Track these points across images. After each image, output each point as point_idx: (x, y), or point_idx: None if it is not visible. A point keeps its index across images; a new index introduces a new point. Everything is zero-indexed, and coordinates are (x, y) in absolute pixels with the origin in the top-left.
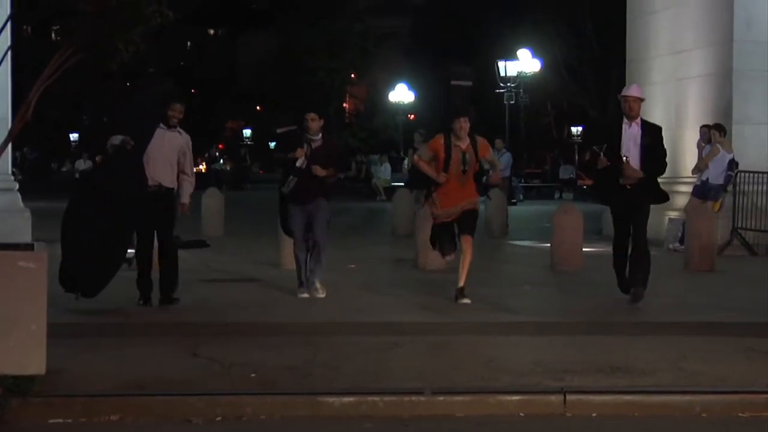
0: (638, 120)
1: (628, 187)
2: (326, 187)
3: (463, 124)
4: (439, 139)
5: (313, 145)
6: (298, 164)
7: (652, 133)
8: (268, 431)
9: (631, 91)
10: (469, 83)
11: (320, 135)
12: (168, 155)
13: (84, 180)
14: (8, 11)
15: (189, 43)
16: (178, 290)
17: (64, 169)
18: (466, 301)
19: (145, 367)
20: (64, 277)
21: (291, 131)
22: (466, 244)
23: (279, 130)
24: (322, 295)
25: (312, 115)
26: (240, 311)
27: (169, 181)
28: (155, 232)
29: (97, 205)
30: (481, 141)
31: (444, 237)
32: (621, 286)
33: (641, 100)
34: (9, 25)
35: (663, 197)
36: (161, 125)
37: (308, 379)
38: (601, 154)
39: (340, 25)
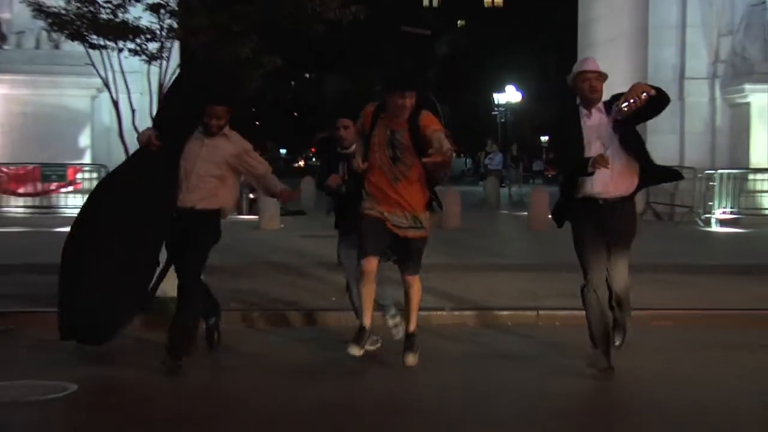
0: (600, 105)
1: (600, 201)
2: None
3: (403, 102)
4: (369, 109)
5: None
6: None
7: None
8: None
9: (589, 64)
10: (427, 32)
11: (354, 147)
12: (204, 169)
13: (97, 192)
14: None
15: (293, 83)
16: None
17: None
18: (412, 360)
19: None
20: (61, 317)
21: (323, 138)
22: (410, 282)
23: (319, 136)
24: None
25: (345, 120)
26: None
27: (203, 201)
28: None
29: (111, 222)
30: (424, 116)
31: (371, 234)
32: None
33: (603, 76)
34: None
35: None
36: (199, 129)
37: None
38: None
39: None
